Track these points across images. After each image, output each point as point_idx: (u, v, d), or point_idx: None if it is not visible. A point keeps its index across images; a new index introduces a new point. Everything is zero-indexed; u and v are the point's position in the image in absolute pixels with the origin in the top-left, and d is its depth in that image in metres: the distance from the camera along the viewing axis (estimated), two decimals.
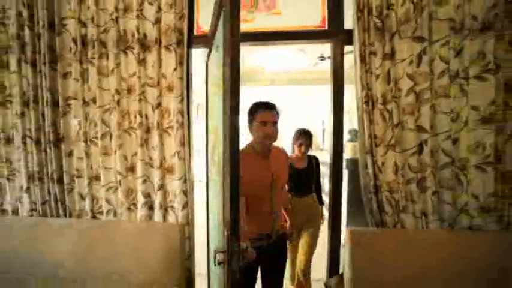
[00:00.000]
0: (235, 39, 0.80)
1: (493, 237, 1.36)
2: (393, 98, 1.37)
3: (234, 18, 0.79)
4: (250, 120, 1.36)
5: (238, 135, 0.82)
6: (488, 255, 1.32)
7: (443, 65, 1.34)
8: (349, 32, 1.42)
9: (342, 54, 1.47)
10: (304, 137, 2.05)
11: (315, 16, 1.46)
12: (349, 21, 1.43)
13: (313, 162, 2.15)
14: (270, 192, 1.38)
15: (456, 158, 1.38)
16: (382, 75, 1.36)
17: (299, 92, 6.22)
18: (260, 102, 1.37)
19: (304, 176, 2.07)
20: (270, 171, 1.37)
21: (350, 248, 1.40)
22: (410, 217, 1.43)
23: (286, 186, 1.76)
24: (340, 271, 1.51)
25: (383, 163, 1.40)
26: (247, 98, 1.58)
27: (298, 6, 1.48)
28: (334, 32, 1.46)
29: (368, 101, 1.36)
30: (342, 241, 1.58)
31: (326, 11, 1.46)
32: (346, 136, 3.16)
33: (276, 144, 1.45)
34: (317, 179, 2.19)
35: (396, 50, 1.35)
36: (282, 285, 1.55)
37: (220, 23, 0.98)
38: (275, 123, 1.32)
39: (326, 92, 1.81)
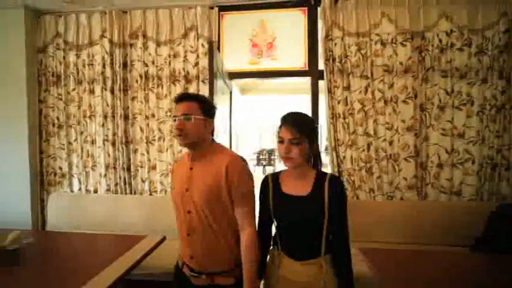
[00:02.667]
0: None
1: (414, 204, 2.05)
2: (349, 114, 2.07)
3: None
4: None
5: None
6: (411, 215, 2.00)
7: (380, 94, 2.04)
8: (321, 72, 2.13)
9: (317, 86, 2.19)
10: (288, 127, 0.89)
11: (299, 61, 2.20)
12: (321, 64, 2.16)
13: (328, 187, 0.90)
14: (185, 204, 0.95)
15: (392, 153, 2.09)
16: (342, 100, 2.07)
17: (295, 100, 6.95)
18: (177, 95, 1.00)
19: (301, 213, 0.90)
20: (189, 176, 0.96)
21: None
22: (363, 192, 2.11)
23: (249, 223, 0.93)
24: None
25: (344, 157, 2.09)
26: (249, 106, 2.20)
27: (289, 54, 2.20)
28: (311, 71, 2.19)
29: (333, 117, 2.07)
30: None
31: (307, 58, 2.19)
32: None
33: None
34: (336, 223, 0.90)
35: (351, 84, 2.06)
36: None
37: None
38: (186, 115, 0.92)
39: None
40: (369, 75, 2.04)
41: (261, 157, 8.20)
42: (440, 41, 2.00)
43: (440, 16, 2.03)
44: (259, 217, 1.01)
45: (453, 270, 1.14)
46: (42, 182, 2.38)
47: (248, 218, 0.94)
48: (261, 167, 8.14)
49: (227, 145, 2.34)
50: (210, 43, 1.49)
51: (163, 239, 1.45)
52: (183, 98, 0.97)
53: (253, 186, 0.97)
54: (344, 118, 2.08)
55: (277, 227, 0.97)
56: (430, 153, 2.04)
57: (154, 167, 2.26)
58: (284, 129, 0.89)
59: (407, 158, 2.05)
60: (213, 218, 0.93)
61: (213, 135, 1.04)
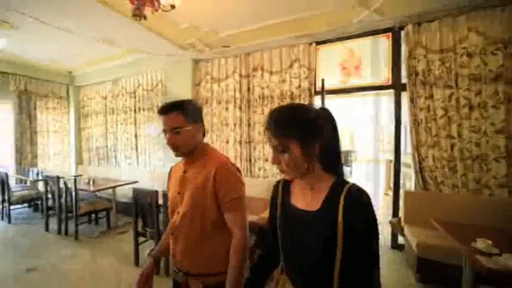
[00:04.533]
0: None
1: (505, 201, 2.17)
2: (432, 119, 2.40)
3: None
4: None
5: None
6: (500, 211, 2.15)
7: (466, 101, 2.28)
8: (404, 84, 2.54)
9: (400, 97, 2.60)
10: (269, 130, 0.71)
11: (383, 77, 2.68)
12: (404, 78, 2.56)
13: (343, 204, 0.64)
14: (177, 206, 1.00)
15: (479, 154, 2.28)
16: (424, 108, 2.42)
17: (372, 100, 6.86)
18: (160, 107, 0.98)
19: (305, 234, 0.71)
20: (178, 184, 1.01)
21: (404, 201, 2.51)
22: (447, 188, 2.40)
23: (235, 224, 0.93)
24: (399, 215, 2.62)
25: (426, 156, 2.44)
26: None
27: (373, 72, 2.72)
28: (395, 85, 2.63)
29: (415, 122, 2.46)
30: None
31: (390, 74, 2.65)
32: None
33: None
34: (355, 258, 0.63)
35: (433, 94, 2.39)
36: None
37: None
38: (175, 129, 0.94)
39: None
40: (453, 85, 2.32)
41: None
42: None
43: None
44: (269, 227, 0.86)
45: None
46: None
47: (238, 223, 0.92)
48: None
49: None
50: (322, 81, 2.26)
51: None
52: (166, 110, 0.94)
53: (242, 192, 0.95)
54: (426, 123, 2.43)
55: (281, 245, 0.78)
56: None
57: (267, 159, 3.24)
58: (267, 133, 0.70)
59: (497, 159, 2.21)
60: (196, 220, 0.93)
61: (204, 135, 1.04)
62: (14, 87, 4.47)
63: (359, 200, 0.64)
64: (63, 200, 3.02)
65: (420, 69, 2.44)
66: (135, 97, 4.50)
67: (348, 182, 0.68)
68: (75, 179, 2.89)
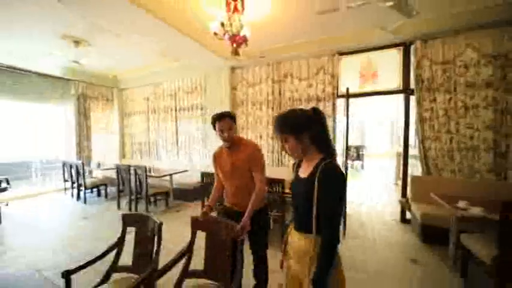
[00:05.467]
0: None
1: (492, 183, 2.78)
2: (435, 118, 3.01)
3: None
4: (214, 128, 1.63)
5: None
6: (488, 190, 2.76)
7: (462, 103, 2.88)
8: (412, 90, 3.14)
9: (409, 100, 3.21)
10: (274, 129, 1.10)
11: (395, 83, 3.28)
12: (412, 84, 3.16)
13: (318, 174, 0.99)
14: (231, 176, 1.65)
15: (472, 145, 2.88)
16: (428, 109, 3.03)
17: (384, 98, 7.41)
18: (216, 115, 1.61)
19: (298, 192, 1.10)
20: (230, 161, 1.63)
21: (411, 184, 3.14)
22: (446, 173, 3.02)
23: (258, 177, 1.60)
24: (407, 196, 3.26)
25: (429, 147, 3.06)
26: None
27: (387, 79, 3.33)
28: (404, 90, 3.23)
29: (421, 120, 3.07)
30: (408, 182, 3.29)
31: (401, 80, 3.25)
32: None
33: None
34: (321, 207, 0.99)
35: (436, 97, 3.00)
36: (257, 251, 1.69)
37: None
38: (230, 128, 1.58)
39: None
40: (452, 90, 2.92)
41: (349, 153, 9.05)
42: None
43: None
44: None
45: None
46: None
47: (258, 179, 1.60)
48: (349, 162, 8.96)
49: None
50: (347, 89, 2.90)
51: None
52: (223, 116, 1.59)
53: (263, 162, 1.63)
54: (430, 121, 3.04)
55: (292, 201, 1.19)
56: (511, 146, 2.72)
57: None
58: (274, 131, 1.10)
59: (486, 149, 2.81)
60: (243, 181, 1.63)
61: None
62: (74, 91, 5.28)
63: (325, 174, 0.98)
64: (132, 184, 3.79)
65: (426, 77, 3.04)
66: (175, 98, 5.22)
67: (328, 161, 1.01)
68: (145, 168, 3.65)
